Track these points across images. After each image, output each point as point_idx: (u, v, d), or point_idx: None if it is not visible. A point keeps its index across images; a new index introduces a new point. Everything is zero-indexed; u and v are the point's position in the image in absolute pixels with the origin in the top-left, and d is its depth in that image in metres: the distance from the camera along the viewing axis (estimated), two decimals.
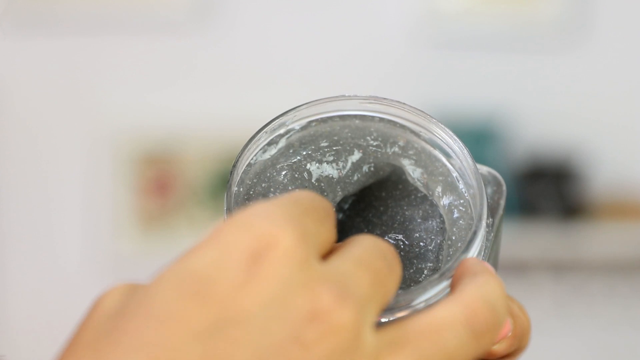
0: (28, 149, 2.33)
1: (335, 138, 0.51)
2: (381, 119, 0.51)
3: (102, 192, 2.33)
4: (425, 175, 0.51)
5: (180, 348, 0.35)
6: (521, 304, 0.49)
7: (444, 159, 0.51)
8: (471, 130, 2.22)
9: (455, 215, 0.50)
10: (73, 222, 2.34)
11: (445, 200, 0.50)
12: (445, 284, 0.44)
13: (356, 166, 0.50)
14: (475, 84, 2.31)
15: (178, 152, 2.33)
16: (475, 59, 2.30)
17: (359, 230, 0.51)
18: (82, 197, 2.34)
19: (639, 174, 2.31)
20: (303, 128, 0.51)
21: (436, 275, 0.44)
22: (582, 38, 2.29)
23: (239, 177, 0.49)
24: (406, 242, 0.50)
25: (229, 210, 0.46)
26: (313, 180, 0.50)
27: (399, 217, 0.51)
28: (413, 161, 0.51)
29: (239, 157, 0.49)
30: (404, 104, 0.51)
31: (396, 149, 0.51)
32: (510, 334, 0.46)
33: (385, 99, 0.51)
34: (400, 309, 0.42)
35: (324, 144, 0.51)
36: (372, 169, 0.51)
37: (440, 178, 0.50)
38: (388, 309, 0.41)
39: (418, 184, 0.51)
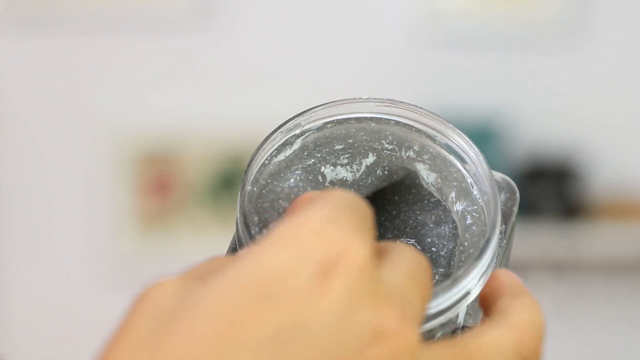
0: (28, 149, 2.33)
1: (350, 141, 0.51)
2: (397, 123, 0.51)
3: (102, 192, 2.33)
4: (439, 180, 0.50)
5: (248, 352, 0.34)
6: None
7: (458, 165, 0.51)
8: (471, 130, 2.22)
9: (468, 221, 0.49)
10: (73, 222, 2.34)
11: (458, 206, 0.50)
12: (456, 290, 0.44)
13: (370, 169, 0.50)
14: (475, 84, 2.31)
15: (178, 152, 2.33)
16: (475, 59, 2.31)
17: None
18: (82, 197, 2.33)
19: (639, 174, 2.31)
20: (318, 129, 0.51)
21: (448, 282, 0.44)
22: (582, 38, 2.29)
23: (253, 176, 0.49)
24: (418, 247, 0.50)
25: (242, 209, 0.46)
26: (327, 183, 0.50)
27: (411, 222, 0.51)
28: (428, 166, 0.51)
29: (254, 156, 0.49)
30: (420, 107, 0.51)
31: (411, 153, 0.51)
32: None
33: (401, 102, 0.51)
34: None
35: (338, 147, 0.50)
36: (385, 172, 0.50)
37: (455, 183, 0.50)
38: None
39: (432, 188, 0.51)
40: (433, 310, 0.43)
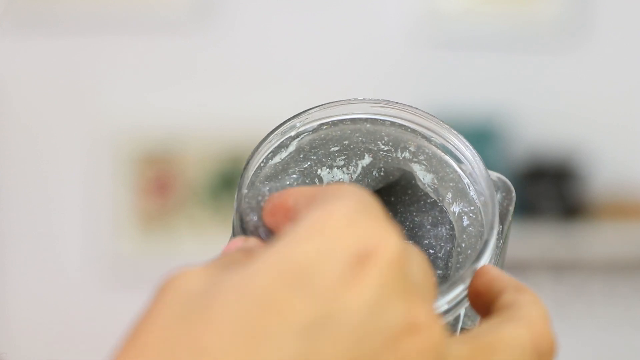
0: (28, 149, 2.33)
1: (346, 142, 0.50)
2: (392, 123, 0.51)
3: (102, 192, 2.33)
4: (435, 181, 0.50)
5: (280, 339, 0.33)
6: None
7: (455, 165, 0.50)
8: (471, 130, 2.22)
9: (465, 222, 0.49)
10: (73, 222, 2.34)
11: (455, 207, 0.50)
12: (455, 292, 0.44)
13: (366, 171, 0.50)
14: (475, 84, 2.31)
15: (178, 152, 2.33)
16: (475, 59, 2.30)
17: None
18: (82, 197, 2.33)
19: (639, 174, 2.31)
20: (314, 131, 0.51)
21: (447, 284, 0.44)
22: (582, 38, 2.29)
23: (249, 179, 0.48)
24: None
25: (239, 212, 0.46)
26: (324, 186, 0.49)
27: (408, 223, 0.50)
28: (424, 166, 0.50)
29: (250, 159, 0.49)
30: (415, 108, 0.51)
31: (407, 154, 0.51)
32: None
33: (397, 103, 0.51)
34: None
35: (334, 148, 0.50)
36: (381, 173, 0.50)
37: (451, 184, 0.50)
38: None
39: (428, 189, 0.50)
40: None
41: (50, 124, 2.32)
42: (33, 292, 2.33)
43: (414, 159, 0.51)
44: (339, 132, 0.51)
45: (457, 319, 0.45)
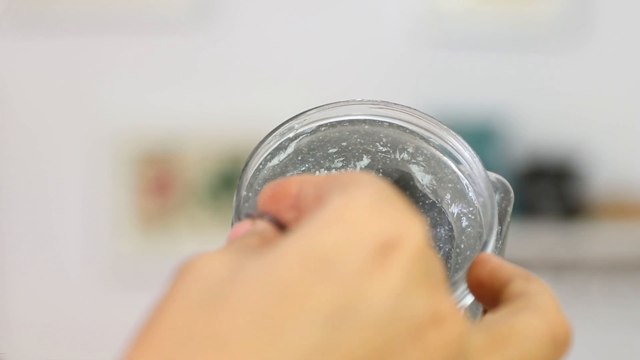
0: (28, 149, 2.33)
1: (344, 144, 0.50)
2: (390, 125, 0.51)
3: (102, 192, 2.33)
4: (434, 182, 0.50)
5: (303, 328, 0.33)
6: None
7: (453, 166, 0.50)
8: (471, 130, 2.22)
9: (464, 223, 0.49)
10: (73, 222, 2.34)
11: (454, 208, 0.50)
12: (456, 293, 0.44)
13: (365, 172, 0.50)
14: (475, 84, 2.31)
15: (178, 152, 2.33)
16: (475, 59, 2.30)
17: None
18: (82, 197, 2.33)
19: (639, 174, 2.31)
20: (312, 132, 0.51)
21: (447, 286, 0.44)
22: (582, 38, 2.29)
23: (248, 181, 0.48)
24: None
25: (238, 214, 0.46)
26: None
27: None
28: (422, 167, 0.50)
29: (249, 160, 0.49)
30: (414, 109, 0.51)
31: (405, 155, 0.50)
32: None
33: (395, 104, 0.51)
34: None
35: (332, 150, 0.50)
36: (380, 174, 0.50)
37: (450, 185, 0.50)
38: None
39: (427, 190, 0.50)
40: None
41: (50, 124, 2.32)
42: (33, 292, 2.34)
43: (413, 160, 0.51)
44: (337, 134, 0.51)
45: None
